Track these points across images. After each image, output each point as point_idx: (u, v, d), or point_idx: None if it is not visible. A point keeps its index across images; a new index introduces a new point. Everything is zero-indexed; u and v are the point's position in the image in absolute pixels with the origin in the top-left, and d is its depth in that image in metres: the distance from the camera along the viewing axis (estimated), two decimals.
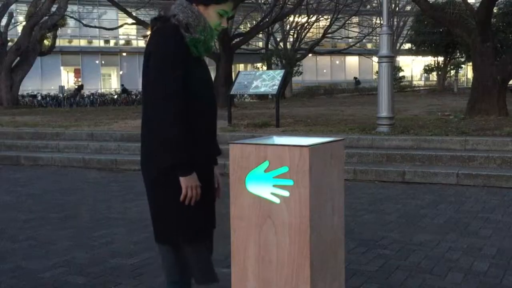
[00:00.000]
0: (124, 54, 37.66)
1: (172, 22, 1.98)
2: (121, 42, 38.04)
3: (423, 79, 45.99)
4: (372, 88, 31.54)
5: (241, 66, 36.52)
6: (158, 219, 2.15)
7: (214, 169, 2.23)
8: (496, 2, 11.60)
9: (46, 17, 20.74)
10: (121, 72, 37.90)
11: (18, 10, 27.35)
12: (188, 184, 2.00)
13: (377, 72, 8.40)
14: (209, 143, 2.15)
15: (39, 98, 27.45)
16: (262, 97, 23.28)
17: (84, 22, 23.04)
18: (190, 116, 2.00)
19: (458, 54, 30.49)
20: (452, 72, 35.15)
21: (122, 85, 31.47)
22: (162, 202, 2.09)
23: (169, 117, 1.93)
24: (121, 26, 22.49)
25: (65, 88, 29.18)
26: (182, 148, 1.96)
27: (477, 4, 11.22)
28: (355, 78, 35.66)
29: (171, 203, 2.05)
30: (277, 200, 1.91)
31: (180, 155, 1.96)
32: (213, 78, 18.72)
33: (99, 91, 32.88)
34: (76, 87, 30.98)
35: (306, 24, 27.73)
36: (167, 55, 1.94)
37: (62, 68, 36.27)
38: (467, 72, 42.65)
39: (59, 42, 28.88)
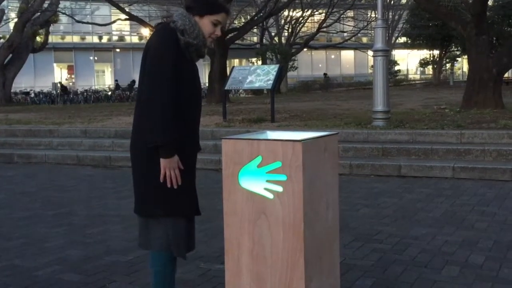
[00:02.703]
0: (118, 50, 37.46)
1: (171, 26, 2.23)
2: (115, 38, 37.83)
3: (418, 72, 46.06)
4: (368, 82, 31.56)
5: (235, 61, 36.43)
6: (144, 193, 2.26)
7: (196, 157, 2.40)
8: None
9: (38, 13, 20.60)
10: (112, 69, 37.72)
11: (9, 7, 27.12)
12: (167, 166, 2.14)
13: (372, 66, 8.37)
14: (195, 134, 2.33)
15: (32, 95, 27.30)
16: (257, 92, 23.24)
17: (76, 18, 22.90)
18: (180, 109, 2.18)
19: (453, 47, 30.54)
20: (448, 65, 35.22)
21: (59, 82, 29.35)
22: (148, 177, 2.22)
23: (162, 101, 2.09)
24: (114, 22, 22.37)
25: (58, 85, 29.02)
26: (169, 131, 2.10)
27: None
28: (325, 74, 35.71)
29: (154, 179, 2.19)
30: (270, 196, 1.89)
31: (166, 137, 2.10)
32: (207, 73, 18.61)
33: (93, 87, 32.73)
34: (129, 82, 31.05)
35: (300, 18, 27.67)
36: (163, 49, 2.15)
37: (55, 64, 36.06)
38: (463, 65, 42.73)
39: (52, 39, 28.69)
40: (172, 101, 2.11)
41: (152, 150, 2.14)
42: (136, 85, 27.46)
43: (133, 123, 2.29)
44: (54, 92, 26.81)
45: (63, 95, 26.50)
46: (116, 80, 32.45)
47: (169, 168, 2.14)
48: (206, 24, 2.26)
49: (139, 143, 2.20)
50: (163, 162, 2.14)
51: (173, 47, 2.16)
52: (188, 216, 2.29)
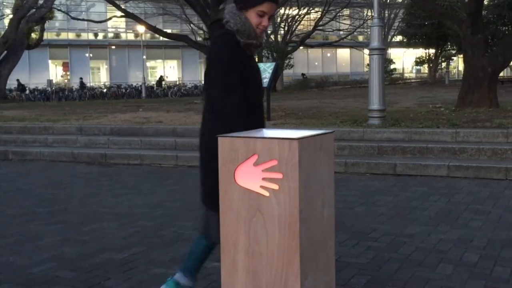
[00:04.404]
0: (113, 47, 37.33)
1: (227, 28, 2.28)
2: (110, 35, 37.69)
3: (414, 71, 46.20)
4: (364, 80, 31.61)
5: None
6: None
7: None
8: None
9: (33, 10, 20.50)
10: (108, 66, 37.60)
11: (4, 3, 26.98)
12: None
13: (368, 65, 8.39)
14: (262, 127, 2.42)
15: (27, 92, 27.19)
16: None
17: (72, 15, 22.80)
18: (249, 108, 2.30)
19: (449, 46, 30.68)
20: (443, 64, 35.37)
21: (17, 80, 28.43)
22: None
23: (234, 111, 2.21)
24: (110, 19, 22.29)
25: (53, 82, 28.89)
26: None
27: None
28: (303, 74, 35.92)
29: None
30: (266, 193, 1.89)
31: None
32: (204, 70, 18.86)
33: (88, 84, 32.62)
34: (157, 79, 31.17)
35: (297, 16, 27.65)
36: (226, 59, 2.23)
37: (50, 61, 35.91)
38: (458, 64, 42.90)
39: (47, 36, 28.59)
40: (243, 108, 2.23)
41: None
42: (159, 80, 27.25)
43: (203, 127, 2.36)
44: (49, 89, 26.66)
45: (19, 92, 26.32)
46: (80, 78, 32.08)
47: None
48: (252, 16, 2.28)
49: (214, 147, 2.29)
50: None
51: (235, 54, 2.23)
52: None
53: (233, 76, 2.22)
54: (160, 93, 28.96)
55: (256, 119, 2.37)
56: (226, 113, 2.22)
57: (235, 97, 2.21)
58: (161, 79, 32.44)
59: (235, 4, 2.29)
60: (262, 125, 2.40)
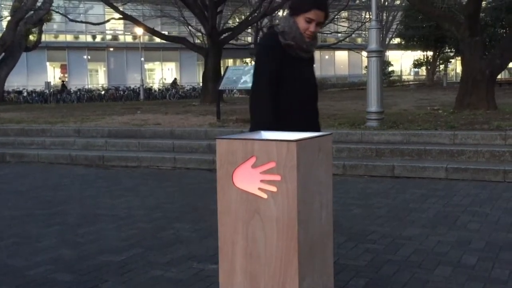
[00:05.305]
0: (111, 49, 37.30)
1: (274, 29, 2.55)
2: (108, 37, 37.66)
3: (412, 73, 46.30)
4: (362, 83, 31.67)
5: (229, 61, 36.41)
6: None
7: None
8: None
9: (32, 12, 20.49)
10: (106, 68, 37.59)
11: (2, 5, 26.96)
12: None
13: (366, 67, 8.40)
14: (304, 121, 2.54)
15: (25, 94, 27.14)
16: None
17: (70, 17, 22.78)
18: (283, 109, 2.44)
19: (447, 48, 30.72)
20: (442, 66, 35.44)
21: None
22: None
23: (261, 97, 2.40)
24: (108, 21, 22.30)
25: (51, 84, 28.84)
26: (262, 121, 2.36)
27: None
28: None
29: None
30: (264, 195, 1.89)
31: (259, 124, 2.36)
32: (202, 73, 18.77)
33: (86, 87, 32.60)
34: (173, 80, 31.29)
35: None
36: (262, 55, 2.49)
37: (48, 63, 35.83)
38: (456, 66, 43.01)
39: (45, 38, 28.54)
40: (270, 97, 2.40)
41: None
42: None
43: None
44: (47, 91, 26.51)
45: None
46: (63, 80, 31.60)
47: None
48: (301, 21, 2.49)
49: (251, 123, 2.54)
50: None
51: (273, 53, 2.45)
52: None
53: (266, 71, 2.41)
54: (159, 95, 29.00)
55: (302, 122, 2.47)
56: (258, 109, 2.40)
57: (267, 94, 2.38)
58: (175, 81, 32.77)
59: (289, 10, 2.55)
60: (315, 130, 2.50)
